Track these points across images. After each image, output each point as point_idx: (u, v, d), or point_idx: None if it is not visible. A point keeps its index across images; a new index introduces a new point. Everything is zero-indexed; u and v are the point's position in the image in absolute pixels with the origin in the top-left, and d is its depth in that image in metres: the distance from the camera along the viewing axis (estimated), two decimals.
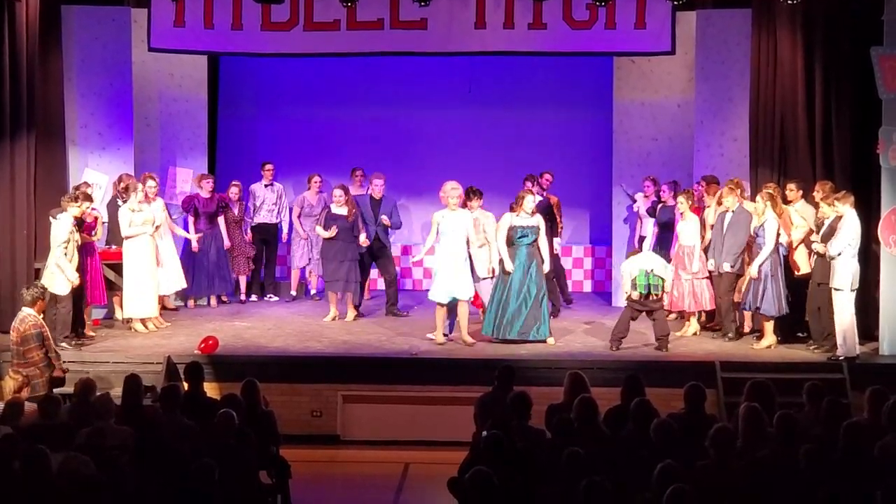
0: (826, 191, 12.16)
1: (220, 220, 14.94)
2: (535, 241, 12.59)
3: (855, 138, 12.94)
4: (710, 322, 13.38)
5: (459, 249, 12.67)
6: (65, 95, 13.86)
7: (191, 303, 14.89)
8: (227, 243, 14.98)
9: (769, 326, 12.46)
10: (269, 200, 15.41)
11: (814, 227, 12.26)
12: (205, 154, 15.65)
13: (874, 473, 7.26)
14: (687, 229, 13.03)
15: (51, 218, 12.36)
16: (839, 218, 11.75)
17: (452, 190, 12.82)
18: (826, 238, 11.82)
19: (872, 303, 12.43)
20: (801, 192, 12.64)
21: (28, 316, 10.89)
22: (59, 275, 11.97)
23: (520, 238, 12.52)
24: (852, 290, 11.73)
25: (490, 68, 16.11)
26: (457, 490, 7.56)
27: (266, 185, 15.43)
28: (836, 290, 11.71)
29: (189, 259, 14.60)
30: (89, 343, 12.51)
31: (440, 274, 12.66)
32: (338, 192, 13.96)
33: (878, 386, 8.81)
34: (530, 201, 12.56)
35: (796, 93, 13.17)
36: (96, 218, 13.00)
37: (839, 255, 11.63)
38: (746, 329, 13.12)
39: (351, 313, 13.98)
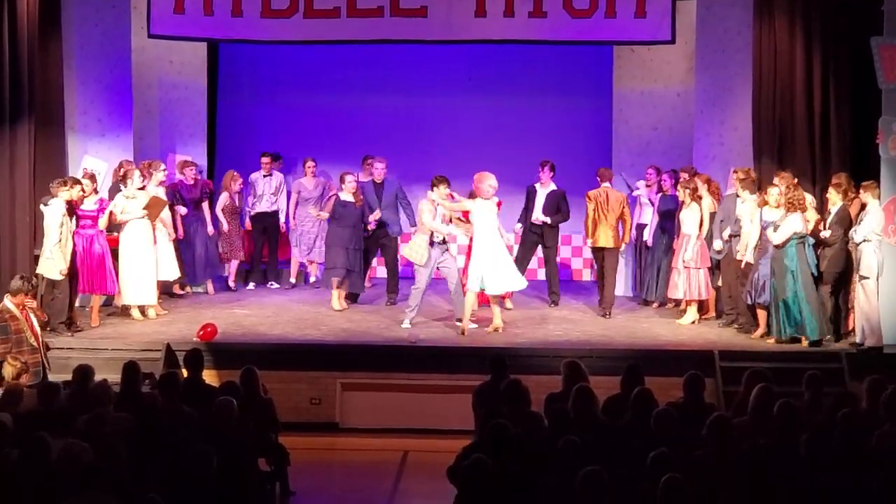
0: (844, 181, 12.14)
1: (205, 206, 14.88)
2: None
3: (854, 128, 12.94)
4: (702, 312, 13.37)
5: (492, 239, 12.58)
6: (64, 82, 13.81)
7: (188, 289, 14.87)
8: (211, 230, 14.87)
9: (763, 316, 12.39)
10: (268, 190, 15.38)
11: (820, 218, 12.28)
12: (204, 141, 15.66)
13: (873, 462, 7.27)
14: (688, 218, 13.02)
15: (41, 205, 12.34)
16: (863, 206, 11.79)
17: (485, 182, 12.60)
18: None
19: None
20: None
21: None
22: (55, 261, 11.98)
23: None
24: (875, 278, 11.71)
25: (490, 57, 16.06)
26: (456, 478, 7.57)
27: (265, 175, 15.40)
28: (862, 278, 11.72)
29: (180, 246, 14.50)
30: (83, 329, 12.50)
31: (475, 263, 12.55)
32: (349, 178, 13.90)
33: (877, 375, 8.84)
34: (774, 195, 12.01)
35: (795, 83, 13.15)
36: (102, 209, 12.94)
37: (863, 241, 11.62)
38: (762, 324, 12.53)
39: (343, 302, 13.87)
